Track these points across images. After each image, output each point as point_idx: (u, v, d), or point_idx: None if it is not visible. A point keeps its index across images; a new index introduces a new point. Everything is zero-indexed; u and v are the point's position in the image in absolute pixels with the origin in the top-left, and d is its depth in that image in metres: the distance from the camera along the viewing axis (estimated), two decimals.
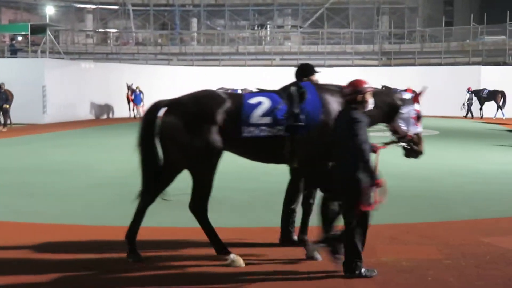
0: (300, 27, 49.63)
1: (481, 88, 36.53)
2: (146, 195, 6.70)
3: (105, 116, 36.09)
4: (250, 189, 11.26)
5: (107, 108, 36.51)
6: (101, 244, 7.23)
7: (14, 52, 36.94)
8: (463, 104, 36.33)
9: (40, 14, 46.40)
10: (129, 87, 34.84)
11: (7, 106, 26.85)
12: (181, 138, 6.31)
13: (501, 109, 34.88)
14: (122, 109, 36.30)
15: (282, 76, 44.10)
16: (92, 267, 6.30)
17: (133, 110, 35.23)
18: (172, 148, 6.48)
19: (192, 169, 6.48)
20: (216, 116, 6.32)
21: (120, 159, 15.47)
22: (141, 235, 6.75)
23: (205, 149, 6.27)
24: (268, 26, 50.76)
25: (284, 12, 52.47)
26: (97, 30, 50.17)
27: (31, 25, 35.38)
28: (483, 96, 36.05)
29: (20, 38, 42.14)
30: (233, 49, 46.10)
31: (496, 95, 35.33)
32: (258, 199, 10.26)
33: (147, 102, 36.56)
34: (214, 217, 6.63)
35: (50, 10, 43.30)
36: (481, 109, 36.12)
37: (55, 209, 9.47)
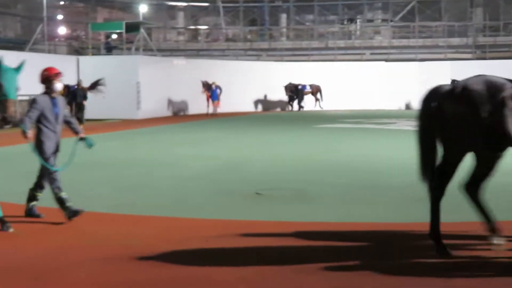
0: (391, 21, 48.84)
1: None
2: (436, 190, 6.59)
3: (195, 112, 36.63)
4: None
5: (197, 104, 37.03)
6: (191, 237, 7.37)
7: (109, 49, 38.12)
8: None
9: (134, 13, 47.58)
10: (204, 84, 34.30)
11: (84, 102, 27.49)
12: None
13: None
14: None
15: (372, 71, 43.65)
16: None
17: (208, 107, 34.59)
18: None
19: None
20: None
21: (209, 154, 15.76)
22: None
23: None
24: (357, 20, 50.24)
25: (374, 6, 51.76)
26: (188, 27, 51.03)
27: (125, 23, 36.31)
28: None
29: (115, 36, 43.46)
30: (323, 44, 45.89)
31: None
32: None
33: (238, 98, 37.01)
34: None
35: (143, 9, 44.33)
36: None
37: (149, 201, 9.72)
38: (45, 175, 8.04)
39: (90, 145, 8.52)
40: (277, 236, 7.30)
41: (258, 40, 48.20)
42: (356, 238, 7.25)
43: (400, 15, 48.53)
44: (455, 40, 44.69)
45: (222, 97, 34.79)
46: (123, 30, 36.06)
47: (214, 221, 8.18)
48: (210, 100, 34.39)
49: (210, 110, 34.11)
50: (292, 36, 48.92)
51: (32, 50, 35.01)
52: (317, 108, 38.78)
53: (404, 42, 45.27)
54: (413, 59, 42.02)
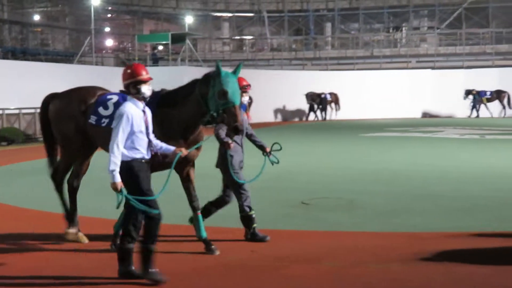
0: (437, 28, 48.38)
1: None
2: None
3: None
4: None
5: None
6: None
7: (155, 61, 38.53)
8: None
9: (180, 24, 48.13)
10: None
11: None
12: None
13: None
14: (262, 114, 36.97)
15: (419, 79, 43.16)
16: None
17: None
18: None
19: None
20: None
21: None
22: None
23: None
24: (403, 28, 49.89)
25: (420, 13, 51.37)
26: (233, 38, 51.36)
27: (171, 34, 36.67)
28: None
29: (161, 47, 43.97)
30: (368, 53, 45.69)
31: None
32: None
33: (282, 107, 36.98)
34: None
35: (189, 20, 44.75)
36: None
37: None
38: (235, 191, 7.53)
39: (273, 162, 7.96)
40: (324, 246, 7.27)
41: (303, 49, 48.21)
42: (404, 247, 7.17)
43: (447, 22, 48.04)
44: (503, 47, 44.01)
45: (264, 106, 34.90)
46: (169, 41, 36.41)
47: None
48: None
49: None
50: (337, 44, 48.85)
51: (80, 62, 35.66)
52: (333, 117, 38.18)
53: (451, 49, 44.79)
54: (460, 67, 41.48)
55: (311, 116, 38.00)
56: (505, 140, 21.73)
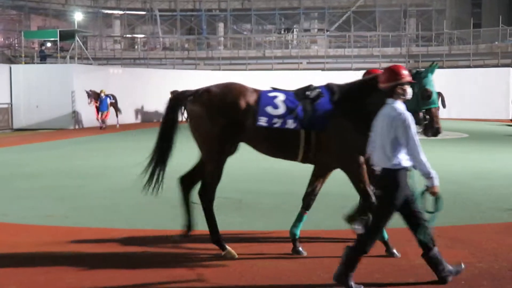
0: (327, 31, 49.53)
1: None
2: None
3: (133, 121, 36.24)
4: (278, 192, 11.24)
5: (135, 113, 36.67)
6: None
7: (43, 58, 37.38)
8: None
9: (69, 21, 46.92)
10: (89, 93, 29.81)
11: None
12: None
13: None
14: (151, 114, 36.60)
15: (309, 80, 44.15)
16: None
17: (97, 119, 30.38)
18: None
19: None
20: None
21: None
22: None
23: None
24: (294, 30, 50.71)
25: (311, 16, 52.43)
26: (124, 36, 50.60)
27: (60, 31, 35.68)
28: None
29: (49, 44, 42.70)
30: (260, 53, 46.14)
31: None
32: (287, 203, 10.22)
33: None
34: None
35: (78, 16, 43.71)
36: None
37: (83, 212, 9.55)
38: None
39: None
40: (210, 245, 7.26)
41: (195, 49, 48.11)
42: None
43: (336, 24, 49.30)
44: (389, 50, 45.60)
45: (158, 106, 34.36)
46: (58, 38, 35.44)
47: (150, 231, 8.08)
48: (99, 111, 29.98)
49: (103, 124, 29.82)
50: (229, 45, 49.03)
51: None
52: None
53: (340, 51, 45.92)
54: (348, 68, 42.61)
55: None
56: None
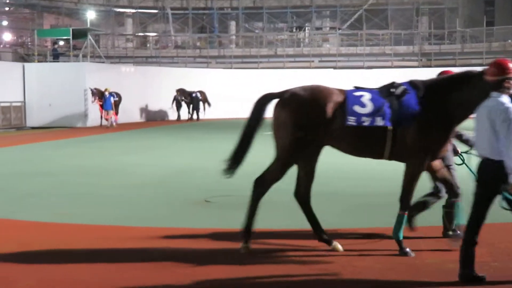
0: (339, 29, 49.41)
1: None
2: None
3: (144, 119, 36.34)
4: None
5: (147, 111, 36.78)
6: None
7: (56, 56, 37.54)
8: None
9: (81, 19, 47.05)
10: (94, 91, 30.43)
11: None
12: None
13: None
14: (163, 112, 36.71)
15: (321, 78, 43.95)
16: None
17: (101, 117, 31.17)
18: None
19: None
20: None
21: (156, 162, 15.65)
22: None
23: None
24: (306, 28, 50.63)
25: (322, 14, 52.34)
26: (136, 34, 50.69)
27: (72, 29, 35.83)
28: None
29: (62, 43, 42.85)
30: (272, 52, 46.10)
31: None
32: None
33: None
34: None
35: (91, 15, 43.84)
36: None
37: (95, 209, 9.58)
38: None
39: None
40: (227, 244, 7.26)
41: (207, 47, 48.12)
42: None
43: (348, 23, 49.17)
44: (402, 48, 45.44)
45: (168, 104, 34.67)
46: (70, 37, 35.57)
47: (162, 230, 8.10)
48: (103, 110, 30.38)
49: (109, 124, 29.97)
50: (241, 43, 49.03)
51: None
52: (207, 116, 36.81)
53: (352, 50, 45.79)
54: (360, 67, 42.51)
55: (182, 115, 35.93)
56: None
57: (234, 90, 37.87)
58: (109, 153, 18.52)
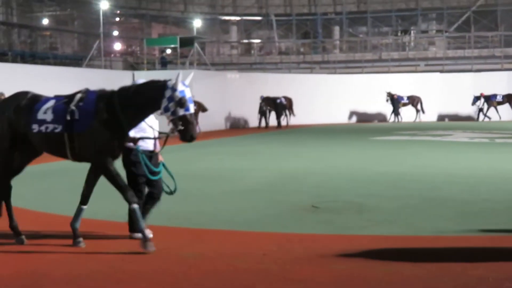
0: (446, 32, 48.32)
1: None
2: None
3: (249, 125, 36.69)
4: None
5: (252, 118, 37.11)
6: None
7: (164, 64, 38.62)
8: None
9: (188, 27, 48.22)
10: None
11: None
12: None
13: None
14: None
15: (427, 82, 42.93)
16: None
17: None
18: None
19: None
20: None
21: (266, 167, 15.80)
22: None
23: None
24: (411, 31, 49.83)
25: (429, 17, 51.29)
26: (241, 41, 51.43)
27: (179, 38, 36.70)
28: None
29: (169, 51, 44.05)
30: (376, 56, 45.64)
31: None
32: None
33: (299, 111, 36.59)
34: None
35: (197, 23, 44.83)
36: None
37: (207, 213, 9.79)
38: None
39: None
40: (334, 250, 7.27)
41: (311, 52, 48.22)
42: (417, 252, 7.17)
43: (455, 25, 47.97)
44: None
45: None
46: (177, 45, 36.46)
47: (271, 234, 8.19)
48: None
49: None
50: (345, 48, 48.82)
51: (88, 66, 35.73)
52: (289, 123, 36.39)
53: (459, 52, 44.65)
54: (468, 70, 41.38)
55: (263, 122, 35.29)
56: None
57: (337, 95, 37.79)
58: (219, 158, 18.87)
